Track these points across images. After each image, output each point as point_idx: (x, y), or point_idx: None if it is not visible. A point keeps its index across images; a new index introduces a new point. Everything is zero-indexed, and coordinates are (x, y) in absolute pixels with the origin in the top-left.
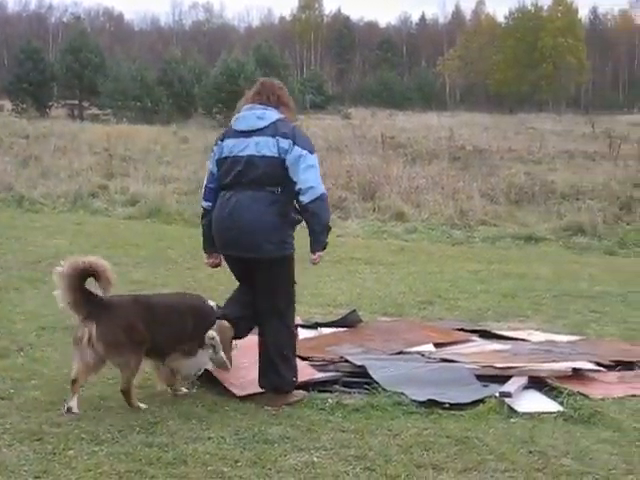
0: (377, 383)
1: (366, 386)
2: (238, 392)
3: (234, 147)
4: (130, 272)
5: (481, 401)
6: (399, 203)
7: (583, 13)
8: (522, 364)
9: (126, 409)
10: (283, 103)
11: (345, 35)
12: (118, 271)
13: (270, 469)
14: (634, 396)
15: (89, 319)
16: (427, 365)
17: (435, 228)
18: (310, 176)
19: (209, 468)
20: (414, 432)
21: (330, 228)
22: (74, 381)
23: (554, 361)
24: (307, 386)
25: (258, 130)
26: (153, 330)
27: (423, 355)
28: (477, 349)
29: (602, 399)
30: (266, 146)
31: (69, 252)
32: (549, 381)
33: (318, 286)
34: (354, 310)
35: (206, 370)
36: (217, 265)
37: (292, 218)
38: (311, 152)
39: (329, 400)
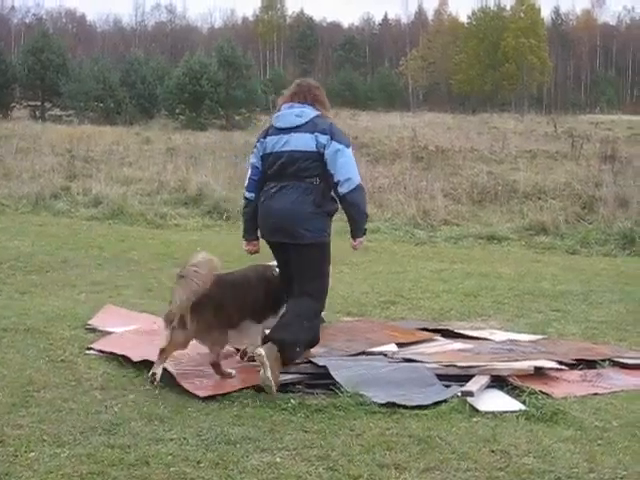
0: (339, 384)
1: (329, 387)
2: (201, 393)
3: (276, 143)
4: (92, 273)
5: (443, 401)
6: None
7: (545, 13)
8: (484, 363)
9: (87, 411)
10: (319, 102)
11: (308, 35)
12: (80, 273)
13: (232, 470)
14: (596, 395)
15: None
16: (390, 365)
17: (398, 228)
18: (347, 168)
19: (171, 469)
20: (377, 432)
21: (367, 215)
22: (162, 351)
23: (516, 360)
24: None
25: (297, 127)
26: (234, 305)
27: (386, 355)
28: (439, 349)
29: (564, 398)
30: (305, 142)
31: (31, 254)
32: (511, 380)
33: None
34: None
35: (168, 373)
36: (255, 252)
37: (329, 208)
38: (347, 146)
39: (292, 401)
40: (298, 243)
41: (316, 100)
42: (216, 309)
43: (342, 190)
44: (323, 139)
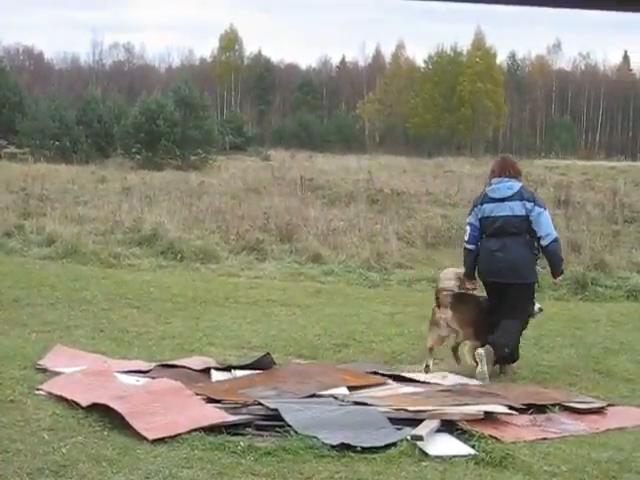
0: (290, 426)
1: (278, 429)
2: (150, 435)
3: (493, 210)
4: (44, 313)
5: (393, 444)
6: (316, 245)
7: (501, 58)
8: (434, 407)
9: (34, 452)
10: (518, 173)
11: (265, 77)
12: (31, 312)
13: None
14: (545, 439)
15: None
16: (340, 408)
17: (352, 270)
18: (547, 226)
19: None
20: (326, 475)
21: (563, 260)
22: (431, 349)
23: (466, 404)
24: (218, 429)
25: (509, 197)
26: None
27: (336, 398)
28: (390, 392)
29: (514, 442)
30: (517, 208)
31: None
32: (461, 424)
33: (233, 328)
34: (268, 353)
35: (117, 413)
36: (475, 289)
37: (535, 255)
38: (545, 209)
39: (241, 443)
40: (523, 282)
41: (517, 173)
42: (468, 312)
43: (544, 243)
44: (529, 205)
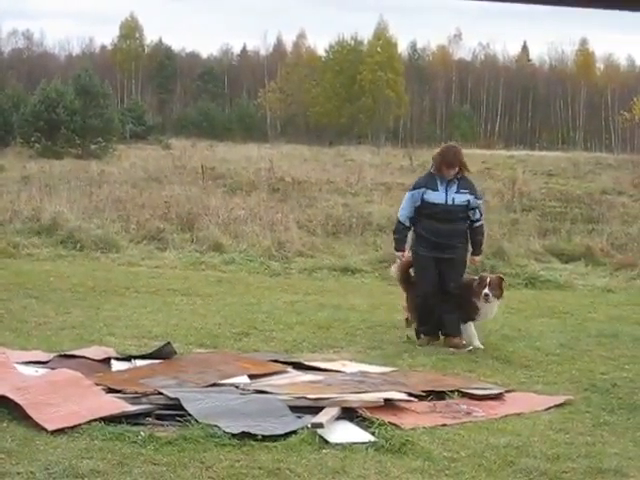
0: (191, 415)
1: (179, 419)
2: (49, 426)
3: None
4: None
5: (294, 432)
6: (217, 234)
7: (402, 47)
8: (335, 395)
9: None
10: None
11: (166, 65)
12: None
13: None
14: (444, 425)
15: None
16: (241, 397)
17: (253, 259)
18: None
19: None
20: (227, 464)
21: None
22: None
23: (366, 392)
24: (118, 419)
25: None
26: None
27: (237, 387)
28: (290, 380)
29: (413, 429)
30: None
31: None
32: (361, 412)
33: (133, 317)
34: (168, 342)
35: (17, 405)
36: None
37: None
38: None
39: (141, 433)
40: None
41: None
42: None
43: None
44: None
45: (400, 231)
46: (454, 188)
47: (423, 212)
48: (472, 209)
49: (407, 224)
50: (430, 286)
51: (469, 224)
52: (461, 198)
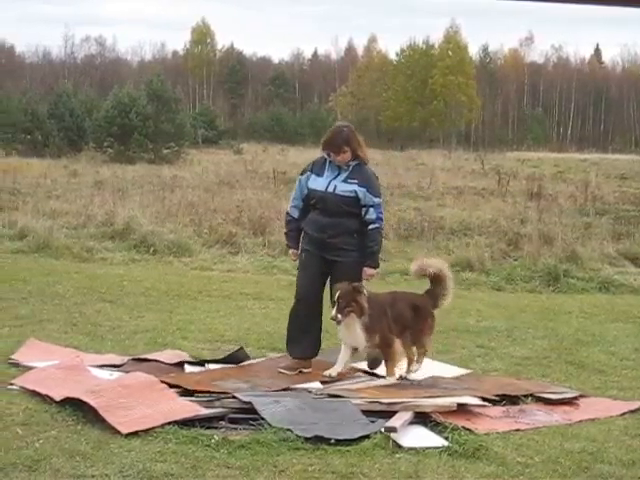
0: (264, 419)
1: (252, 422)
2: (123, 429)
3: None
4: (16, 307)
5: (367, 436)
6: None
7: (473, 51)
8: (408, 399)
9: (8, 447)
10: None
11: (238, 70)
12: (4, 306)
13: None
14: (518, 430)
15: None
16: (314, 401)
17: None
18: None
19: None
20: (300, 468)
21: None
22: None
23: (439, 396)
24: (192, 422)
25: None
26: None
27: (310, 392)
28: (363, 385)
29: (486, 434)
30: None
31: None
32: (434, 416)
33: (206, 321)
34: (241, 347)
35: (91, 407)
36: None
37: None
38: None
39: (215, 436)
40: None
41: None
42: None
43: None
44: None
45: (287, 223)
46: (342, 176)
47: (309, 202)
48: (365, 206)
49: (295, 215)
50: (305, 291)
51: (364, 225)
52: (344, 187)
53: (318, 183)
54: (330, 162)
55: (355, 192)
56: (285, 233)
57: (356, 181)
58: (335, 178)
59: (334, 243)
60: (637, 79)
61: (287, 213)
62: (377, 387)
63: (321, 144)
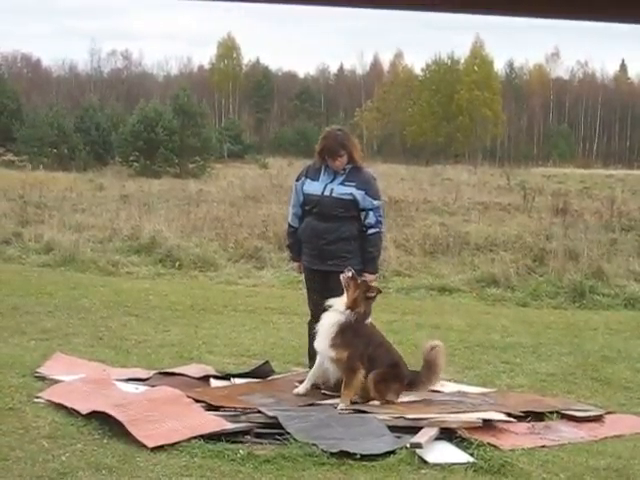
0: (289, 434)
1: (278, 437)
2: (149, 443)
3: None
4: (42, 320)
5: (392, 452)
6: None
7: (499, 66)
8: (433, 415)
9: (34, 460)
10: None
11: (263, 85)
12: (30, 320)
13: None
14: (544, 447)
15: None
16: (339, 416)
17: None
18: None
19: None
20: None
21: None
22: None
23: (465, 412)
24: (218, 437)
25: None
26: None
27: (336, 407)
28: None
29: (512, 450)
30: None
31: None
32: (460, 432)
33: (232, 336)
34: (267, 361)
35: (117, 421)
36: None
37: None
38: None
39: (240, 451)
40: None
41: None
42: None
43: None
44: None
45: (289, 235)
46: (339, 179)
47: (306, 208)
48: (364, 210)
49: (296, 225)
50: (316, 308)
51: (363, 230)
52: (342, 190)
53: (314, 187)
54: (326, 167)
55: (353, 195)
56: (287, 246)
57: (354, 184)
58: (332, 182)
59: (331, 250)
60: None
61: (289, 225)
62: (402, 403)
63: (317, 152)
